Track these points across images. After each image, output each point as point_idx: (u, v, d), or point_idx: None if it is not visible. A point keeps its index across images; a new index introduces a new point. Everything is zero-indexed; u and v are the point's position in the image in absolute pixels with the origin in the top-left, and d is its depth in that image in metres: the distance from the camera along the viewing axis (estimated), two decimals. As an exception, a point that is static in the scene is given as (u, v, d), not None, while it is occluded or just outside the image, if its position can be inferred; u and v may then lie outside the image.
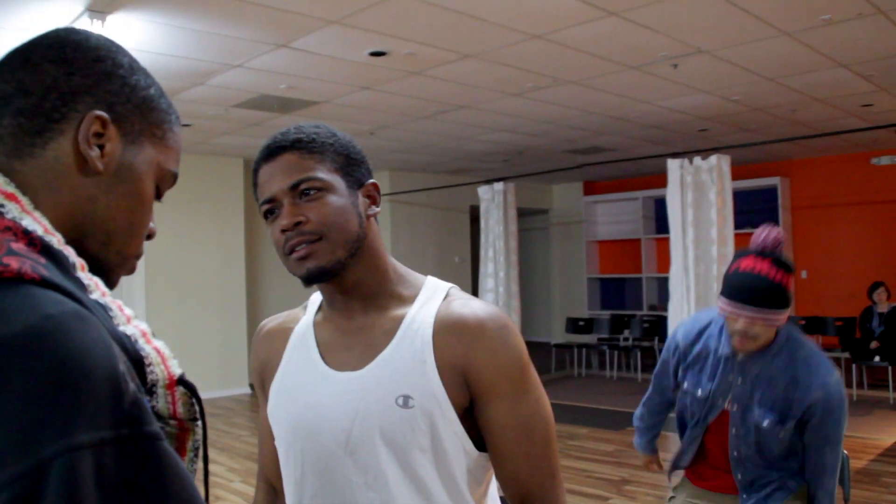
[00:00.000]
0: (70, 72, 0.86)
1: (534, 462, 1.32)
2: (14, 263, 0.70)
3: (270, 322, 1.60)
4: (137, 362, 0.77)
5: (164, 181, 0.96)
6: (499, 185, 10.21)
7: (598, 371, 11.90)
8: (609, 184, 14.38)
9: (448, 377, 1.30)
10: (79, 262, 0.81)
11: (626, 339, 11.99)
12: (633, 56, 6.15)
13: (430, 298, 1.39)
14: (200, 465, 0.87)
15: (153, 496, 0.68)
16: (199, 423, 0.84)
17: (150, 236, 0.96)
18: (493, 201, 10.26)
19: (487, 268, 10.24)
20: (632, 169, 12.59)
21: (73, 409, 0.63)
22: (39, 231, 0.78)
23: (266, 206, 1.36)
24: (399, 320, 1.37)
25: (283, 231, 1.33)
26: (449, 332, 1.33)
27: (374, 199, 1.42)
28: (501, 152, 10.87)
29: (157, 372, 0.80)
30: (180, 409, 0.82)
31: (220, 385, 10.24)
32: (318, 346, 1.43)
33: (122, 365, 0.70)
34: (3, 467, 0.61)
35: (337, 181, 1.35)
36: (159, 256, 9.39)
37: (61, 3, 4.67)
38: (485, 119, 8.49)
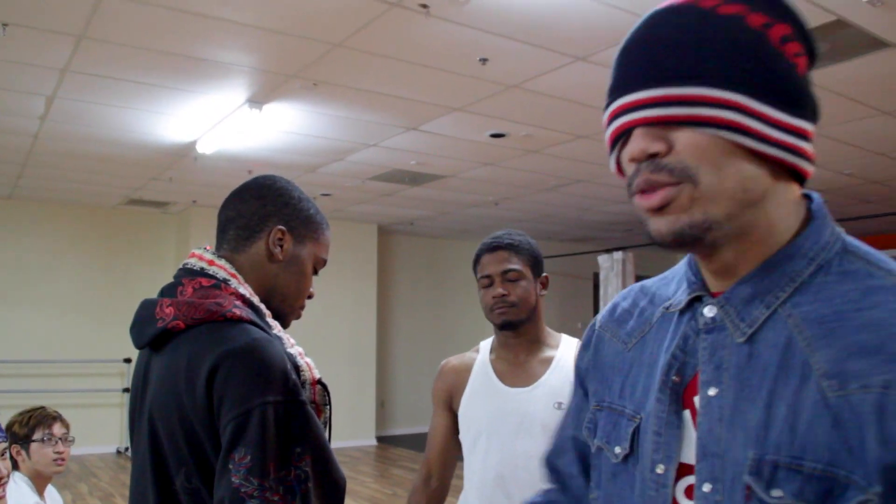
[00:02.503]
0: (265, 204, 1.52)
1: None
2: (238, 312, 1.35)
3: (453, 360, 2.37)
4: (296, 368, 1.38)
5: (319, 264, 1.60)
6: (618, 254, 10.58)
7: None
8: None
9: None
10: (267, 313, 1.45)
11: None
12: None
13: (569, 346, 2.23)
14: (326, 433, 1.46)
15: (304, 431, 1.29)
16: (328, 406, 1.45)
17: (310, 297, 1.60)
18: (613, 269, 10.63)
19: (605, 333, 10.52)
20: None
21: (265, 385, 1.26)
22: (248, 295, 1.43)
23: (484, 281, 2.19)
24: (550, 359, 2.19)
25: (494, 297, 2.15)
26: None
27: (544, 286, 2.25)
28: (622, 222, 11.26)
29: (306, 375, 1.42)
30: (318, 398, 1.43)
31: (348, 435, 10.83)
32: (495, 372, 2.22)
33: (290, 366, 1.32)
34: (230, 410, 1.24)
35: (528, 272, 2.18)
36: (299, 313, 10.14)
37: (225, 95, 5.55)
38: (603, 192, 8.98)
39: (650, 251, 13.67)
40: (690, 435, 0.89)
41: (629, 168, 0.89)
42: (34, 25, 4.32)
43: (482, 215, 10.64)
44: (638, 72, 0.87)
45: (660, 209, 0.85)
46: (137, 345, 1.44)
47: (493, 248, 2.21)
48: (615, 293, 10.56)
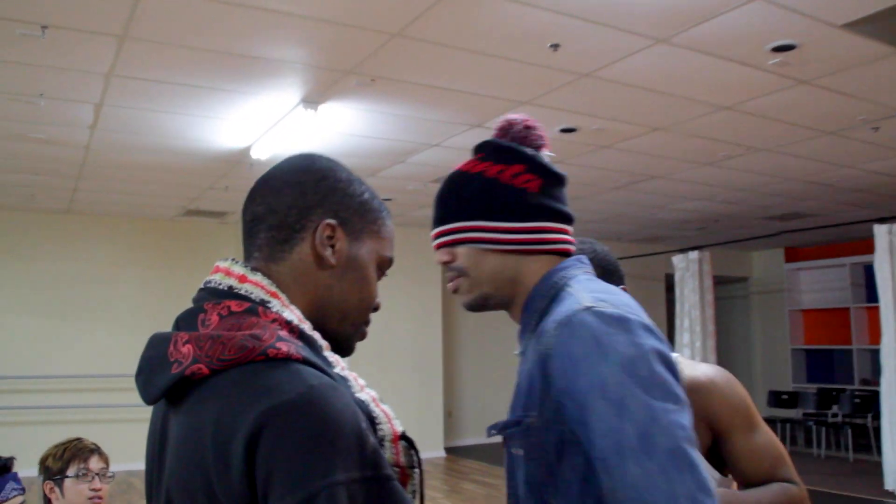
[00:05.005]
0: (303, 192, 1.11)
1: (770, 471, 1.75)
2: (284, 347, 0.94)
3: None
4: (372, 420, 0.99)
5: (384, 265, 1.19)
6: (693, 254, 10.08)
7: (805, 448, 11.28)
8: (813, 250, 13.72)
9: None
10: (324, 344, 1.05)
11: (835, 416, 11.28)
12: (828, 121, 6.02)
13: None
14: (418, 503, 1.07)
15: None
16: (417, 470, 1.05)
17: (375, 309, 1.19)
18: (688, 270, 10.14)
19: (683, 337, 10.08)
20: (838, 234, 12.02)
21: (331, 456, 0.87)
22: (296, 321, 1.03)
23: None
24: None
25: None
26: (687, 391, 1.67)
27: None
28: (696, 220, 10.74)
29: (385, 429, 1.02)
30: (402, 458, 1.04)
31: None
32: None
33: (364, 423, 0.93)
34: (284, 496, 0.85)
35: None
36: (362, 323, 9.91)
37: (278, 95, 5.23)
38: (677, 188, 8.49)
39: (726, 250, 13.18)
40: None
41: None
42: (74, 26, 4.06)
43: (549, 216, 10.16)
44: (434, 215, 1.41)
45: (456, 293, 1.41)
46: (146, 399, 1.02)
47: None
48: (692, 294, 10.10)
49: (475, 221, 1.34)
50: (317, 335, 1.05)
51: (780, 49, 4.49)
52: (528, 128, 1.41)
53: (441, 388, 11.09)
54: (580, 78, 4.95)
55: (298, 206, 1.10)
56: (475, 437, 11.85)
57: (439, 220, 1.40)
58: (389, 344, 10.46)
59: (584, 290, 1.26)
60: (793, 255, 13.92)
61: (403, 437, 1.05)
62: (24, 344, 9.24)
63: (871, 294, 11.65)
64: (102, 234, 9.81)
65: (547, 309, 1.29)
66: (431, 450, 10.83)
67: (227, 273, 1.08)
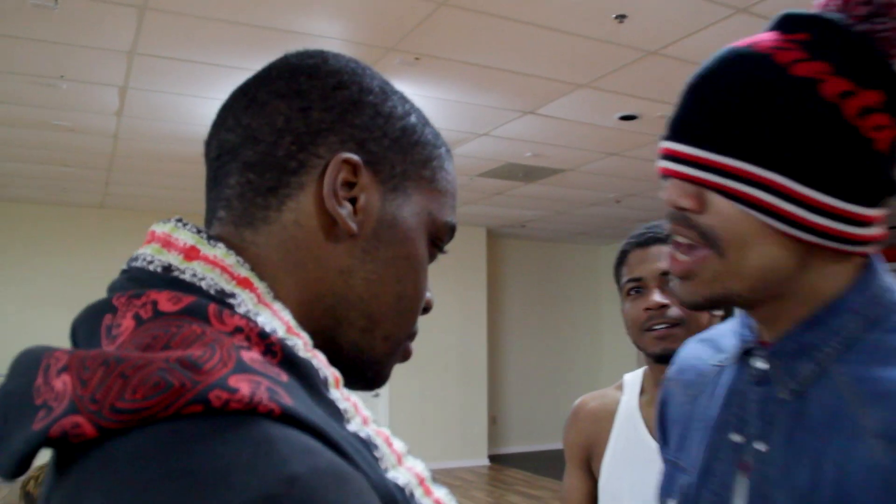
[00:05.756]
0: (306, 106, 0.65)
1: None
2: (245, 388, 0.47)
3: (592, 402, 1.76)
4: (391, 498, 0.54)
5: (441, 236, 0.72)
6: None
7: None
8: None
9: None
10: (332, 376, 0.58)
11: None
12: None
13: None
14: None
15: None
16: None
17: (426, 309, 0.72)
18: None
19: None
20: None
21: None
22: (280, 332, 0.57)
23: (632, 284, 1.57)
24: None
25: (648, 309, 1.52)
26: None
27: None
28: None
29: (407, 482, 0.56)
30: None
31: (458, 455, 10.13)
32: (648, 425, 1.60)
33: None
34: None
35: None
36: (403, 324, 9.55)
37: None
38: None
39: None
40: (744, 492, 0.85)
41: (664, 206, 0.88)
42: (88, -5, 3.68)
43: (601, 214, 9.68)
44: (688, 120, 0.83)
45: (684, 277, 0.84)
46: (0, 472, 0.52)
47: (647, 241, 1.59)
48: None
49: (780, 175, 0.77)
50: (320, 358, 0.58)
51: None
52: None
53: (485, 393, 10.64)
54: (646, 56, 4.46)
55: (296, 129, 0.64)
56: (520, 444, 11.40)
57: (713, 136, 0.80)
58: (430, 347, 10.05)
59: None
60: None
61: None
62: (57, 341, 8.98)
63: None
64: (137, 231, 9.45)
65: (859, 336, 0.79)
66: (474, 458, 10.39)
67: (167, 243, 0.61)
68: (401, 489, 0.54)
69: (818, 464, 0.76)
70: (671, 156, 0.84)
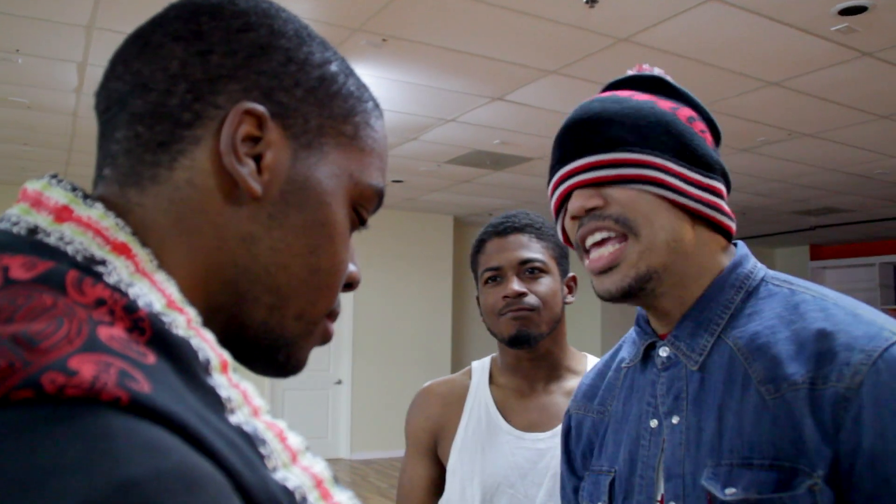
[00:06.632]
0: (205, 49, 0.57)
1: None
2: (87, 371, 0.40)
3: (439, 387, 1.76)
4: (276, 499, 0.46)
5: (365, 202, 0.64)
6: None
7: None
8: (839, 248, 13.19)
9: None
10: (218, 358, 0.50)
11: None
12: (884, 103, 5.47)
13: None
14: None
15: None
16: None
17: (350, 285, 0.65)
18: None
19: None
20: (866, 232, 11.48)
21: None
22: (158, 305, 0.49)
23: (490, 273, 1.60)
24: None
25: (506, 297, 1.55)
26: None
27: (571, 290, 1.67)
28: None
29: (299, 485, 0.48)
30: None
31: (422, 444, 10.07)
32: (500, 409, 1.64)
33: None
34: None
35: (553, 267, 1.61)
36: (367, 313, 9.45)
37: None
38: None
39: (750, 245, 12.59)
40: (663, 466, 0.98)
41: (572, 231, 1.05)
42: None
43: (568, 205, 9.66)
44: (574, 146, 1.02)
45: (608, 269, 0.99)
46: None
47: (505, 230, 1.62)
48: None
49: (661, 157, 0.99)
50: (206, 337, 0.50)
51: (847, 12, 3.94)
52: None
53: (450, 382, 10.59)
54: (617, 43, 4.42)
55: (193, 76, 0.56)
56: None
57: (597, 146, 1.01)
58: (395, 335, 10.04)
59: (854, 306, 0.95)
60: (817, 252, 13.42)
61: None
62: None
63: (904, 295, 11.14)
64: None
65: (741, 306, 1.00)
66: (438, 447, 10.36)
67: (37, 203, 0.52)
68: (289, 493, 0.47)
69: (721, 415, 0.93)
70: (568, 175, 1.03)
